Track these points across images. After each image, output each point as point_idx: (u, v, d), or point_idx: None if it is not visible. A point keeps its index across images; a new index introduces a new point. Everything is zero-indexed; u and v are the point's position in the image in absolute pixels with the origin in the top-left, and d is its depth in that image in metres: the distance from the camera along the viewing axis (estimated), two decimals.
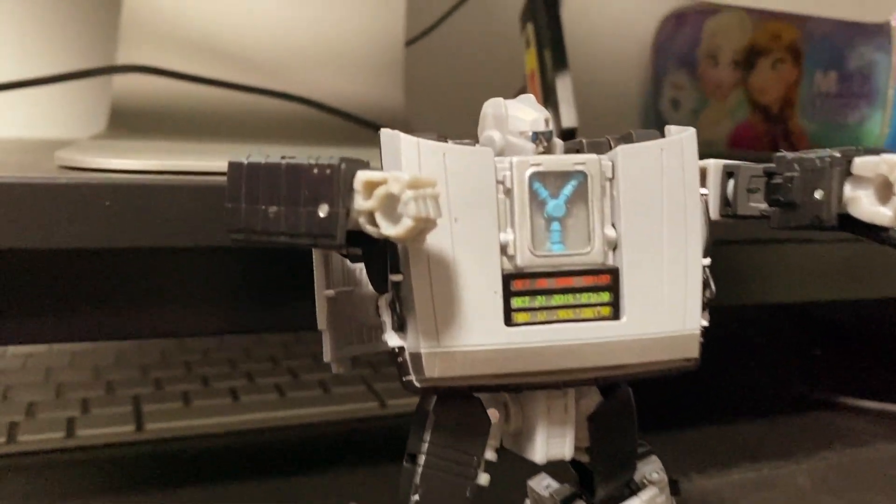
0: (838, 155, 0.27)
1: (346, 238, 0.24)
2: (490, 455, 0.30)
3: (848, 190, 0.27)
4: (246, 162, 0.25)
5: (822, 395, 0.65)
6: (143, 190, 0.37)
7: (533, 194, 0.27)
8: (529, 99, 0.30)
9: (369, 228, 0.23)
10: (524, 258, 0.27)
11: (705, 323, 0.29)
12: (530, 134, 0.29)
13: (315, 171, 0.23)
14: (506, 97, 0.75)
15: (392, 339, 0.27)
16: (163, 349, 0.69)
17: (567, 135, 0.61)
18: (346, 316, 0.32)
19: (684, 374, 0.29)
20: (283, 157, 0.24)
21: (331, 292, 0.31)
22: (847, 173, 0.27)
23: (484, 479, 0.29)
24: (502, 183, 0.27)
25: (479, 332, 0.26)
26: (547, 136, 0.29)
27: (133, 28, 0.64)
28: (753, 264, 0.53)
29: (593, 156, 0.28)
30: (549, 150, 0.30)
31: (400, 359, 0.27)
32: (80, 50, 0.72)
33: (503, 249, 0.27)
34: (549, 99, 0.62)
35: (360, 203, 0.23)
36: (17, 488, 0.46)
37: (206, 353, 0.69)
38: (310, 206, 0.23)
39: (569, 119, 0.60)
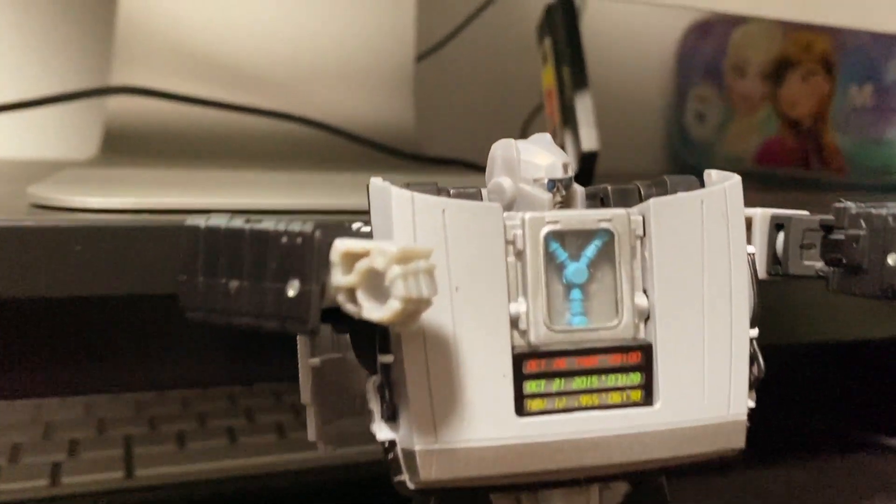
0: None
1: (324, 317, 0.20)
2: None
3: None
4: (203, 226, 0.20)
5: (869, 438, 0.60)
6: (120, 232, 0.34)
7: (549, 257, 0.23)
8: (545, 139, 0.26)
9: (349, 308, 0.19)
10: (539, 334, 0.23)
11: (752, 404, 0.25)
12: (546, 181, 0.25)
13: (284, 239, 0.19)
14: (522, 116, 0.70)
15: (381, 432, 0.23)
16: None
17: (587, 159, 0.56)
18: (334, 386, 0.28)
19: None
20: (247, 221, 0.20)
21: (316, 361, 0.27)
22: None
23: None
24: (513, 244, 0.23)
25: (485, 424, 0.22)
26: (566, 183, 0.25)
27: (127, 47, 0.61)
28: (798, 301, 0.48)
29: (621, 210, 0.23)
30: (567, 200, 0.25)
31: (390, 455, 0.23)
32: (75, 70, 0.68)
33: (514, 323, 0.23)
34: (568, 120, 0.58)
35: (339, 278, 0.19)
36: None
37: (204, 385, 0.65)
38: (277, 281, 0.19)
39: (589, 142, 0.56)
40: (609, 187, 0.25)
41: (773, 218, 0.26)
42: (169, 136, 0.60)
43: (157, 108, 0.60)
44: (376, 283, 0.19)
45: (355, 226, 0.25)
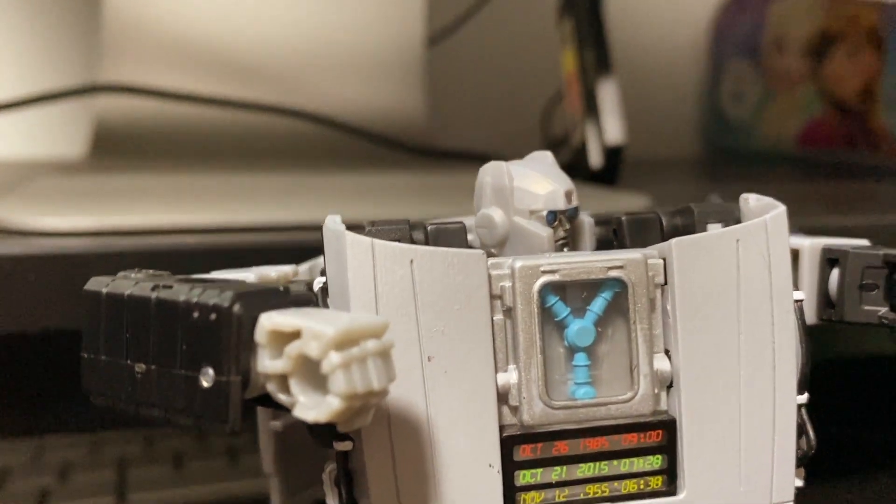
0: None
1: (259, 400, 0.16)
2: None
3: None
4: (105, 293, 0.16)
5: None
6: (78, 260, 0.31)
7: (547, 314, 0.19)
8: (545, 160, 0.22)
9: (282, 399, 0.15)
10: (534, 411, 0.18)
11: (800, 483, 0.20)
12: (545, 214, 0.20)
13: (195, 314, 0.15)
14: (542, 103, 0.65)
15: None
16: None
17: (612, 154, 0.51)
18: (301, 451, 0.24)
19: None
20: (154, 288, 0.16)
21: (278, 424, 0.22)
22: None
23: None
24: (500, 298, 0.18)
25: None
26: (570, 214, 0.21)
27: (115, 42, 0.57)
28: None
29: (635, 254, 0.19)
30: (573, 236, 0.21)
31: None
32: (64, 67, 0.65)
33: (503, 398, 0.18)
34: (590, 108, 0.53)
35: (266, 363, 0.15)
36: None
37: None
38: (189, 369, 0.15)
39: (614, 134, 0.51)
40: (623, 218, 0.21)
41: (825, 252, 0.21)
42: (162, 136, 0.56)
43: (149, 106, 0.56)
44: (313, 372, 0.15)
45: (316, 267, 0.21)
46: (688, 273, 0.19)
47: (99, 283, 0.16)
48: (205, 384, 0.15)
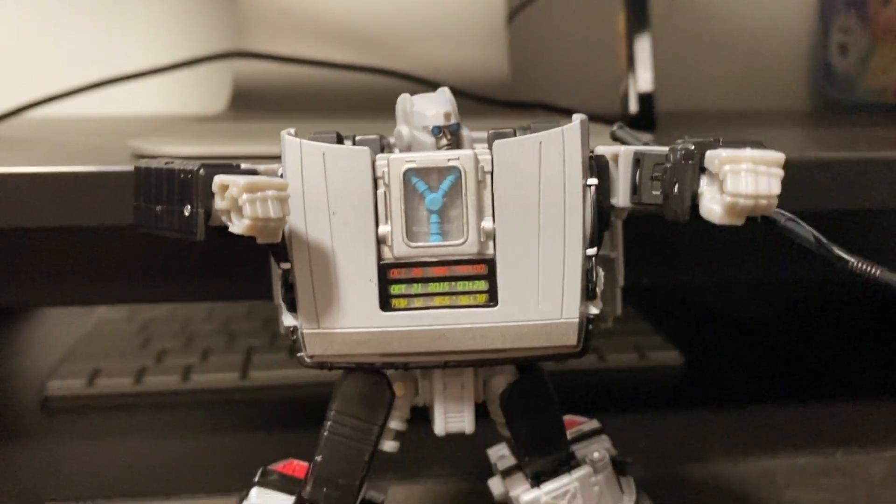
0: (692, 147, 0.26)
1: (223, 233, 0.28)
2: (397, 425, 0.32)
3: (704, 184, 0.26)
4: (143, 167, 0.29)
5: None
6: None
7: (413, 189, 0.29)
8: (442, 93, 0.32)
9: (229, 224, 0.27)
10: (399, 249, 0.29)
11: (595, 311, 0.30)
12: (432, 128, 0.31)
13: (181, 175, 0.27)
14: (615, 64, 0.73)
15: (287, 319, 0.30)
16: None
17: (645, 101, 0.60)
18: None
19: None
20: (166, 163, 0.28)
21: (287, 265, 0.34)
22: (702, 167, 0.26)
23: (389, 446, 0.32)
24: (382, 179, 0.29)
25: (355, 316, 0.29)
26: (453, 128, 0.31)
27: (250, 15, 0.71)
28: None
29: (468, 151, 0.29)
30: (455, 144, 0.31)
31: (294, 337, 0.30)
32: (209, 36, 0.79)
33: (383, 240, 0.29)
34: (630, 63, 0.61)
35: (218, 203, 0.27)
36: (144, 421, 0.55)
37: None
38: (180, 205, 0.27)
39: (644, 84, 0.59)
40: (490, 132, 0.31)
41: (635, 154, 0.31)
42: (284, 93, 0.70)
43: (274, 67, 0.70)
44: (239, 208, 0.26)
45: (263, 167, 0.32)
46: (503, 164, 0.29)
47: (141, 163, 0.29)
48: (186, 214, 0.27)
